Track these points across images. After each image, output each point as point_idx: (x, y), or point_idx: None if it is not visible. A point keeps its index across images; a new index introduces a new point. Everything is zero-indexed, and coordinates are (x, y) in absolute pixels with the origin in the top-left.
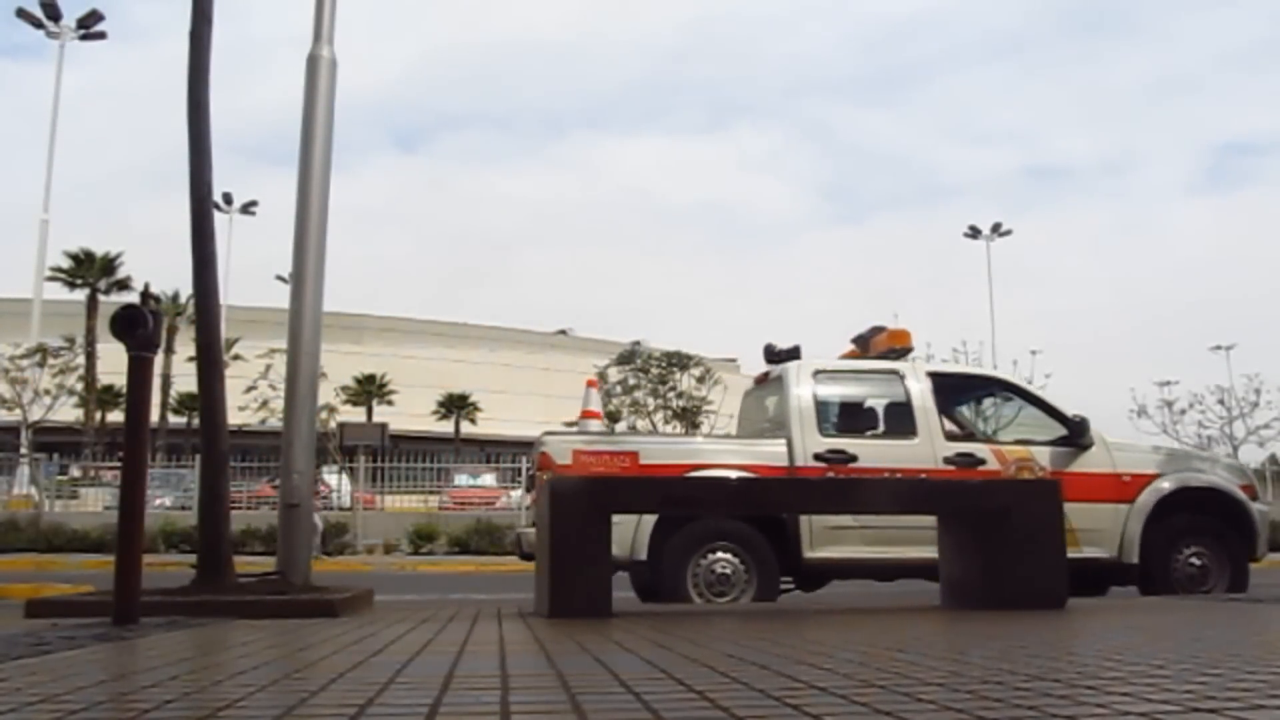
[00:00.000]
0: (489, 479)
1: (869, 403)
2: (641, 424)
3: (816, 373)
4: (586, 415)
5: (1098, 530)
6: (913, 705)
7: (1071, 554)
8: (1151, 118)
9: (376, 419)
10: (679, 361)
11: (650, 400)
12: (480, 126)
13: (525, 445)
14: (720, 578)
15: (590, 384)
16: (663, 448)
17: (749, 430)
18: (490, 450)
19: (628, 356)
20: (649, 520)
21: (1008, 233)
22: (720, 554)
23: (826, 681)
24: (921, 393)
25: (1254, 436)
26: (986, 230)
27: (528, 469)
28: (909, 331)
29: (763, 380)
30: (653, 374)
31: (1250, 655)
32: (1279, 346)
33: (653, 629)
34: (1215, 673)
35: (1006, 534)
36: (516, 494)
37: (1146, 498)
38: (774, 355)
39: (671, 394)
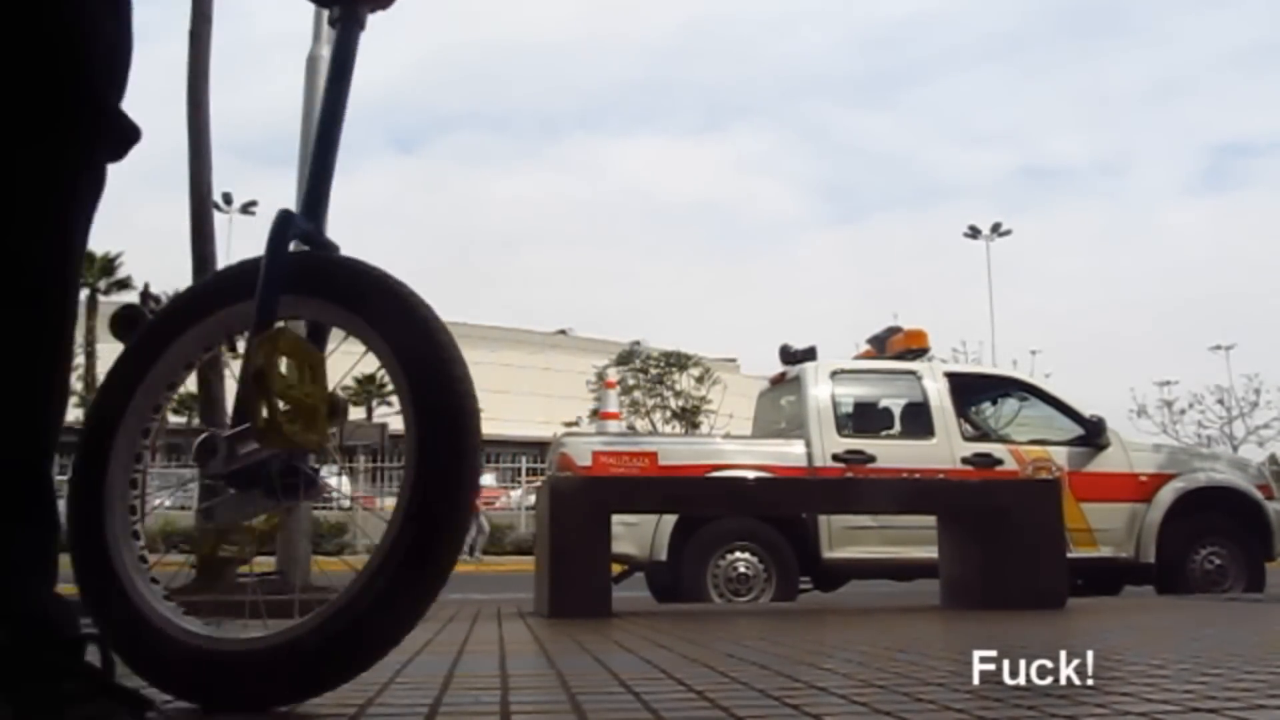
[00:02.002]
0: (489, 479)
1: (887, 403)
2: (640, 424)
3: (834, 373)
4: (605, 416)
5: (1115, 530)
6: (913, 705)
7: (1089, 554)
8: (1148, 119)
9: (376, 419)
10: (677, 361)
11: (647, 400)
12: (479, 127)
13: (525, 445)
14: (740, 577)
15: (609, 385)
16: (681, 448)
17: (764, 431)
18: (490, 450)
19: (627, 356)
20: (669, 520)
21: (1007, 233)
22: (740, 554)
23: (826, 681)
24: (939, 393)
25: (1254, 436)
26: (986, 230)
27: (538, 468)
28: (925, 332)
29: (779, 381)
30: (650, 374)
31: (1250, 655)
32: (1279, 346)
33: (653, 629)
34: (1215, 673)
35: (1006, 534)
36: (516, 494)
37: (1164, 497)
38: (790, 356)
39: (669, 394)
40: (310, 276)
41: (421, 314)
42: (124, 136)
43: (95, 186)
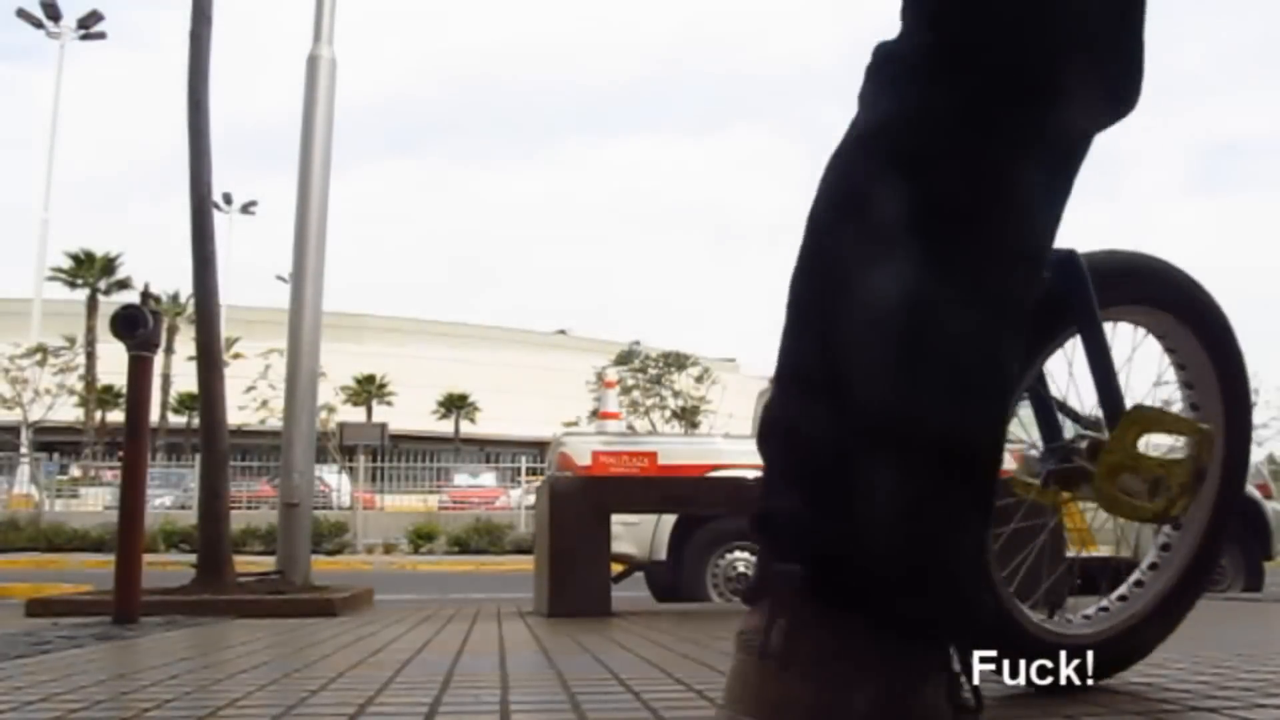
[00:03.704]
0: (489, 478)
1: None
2: (640, 424)
3: None
4: (605, 416)
5: (1114, 529)
6: None
7: (1088, 554)
8: (1147, 119)
9: (376, 419)
10: (676, 361)
11: (646, 400)
12: (479, 127)
13: (525, 445)
14: (740, 577)
15: (608, 385)
16: (681, 448)
17: None
18: (490, 450)
19: (626, 357)
20: (668, 520)
21: None
22: (739, 553)
23: None
24: None
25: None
26: None
27: (538, 468)
28: None
29: None
30: (649, 374)
31: (1250, 655)
32: (1278, 346)
33: (653, 629)
34: (1215, 672)
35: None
36: (516, 493)
37: None
38: None
39: (668, 394)
40: (1121, 279)
41: (1221, 310)
42: None
43: None
